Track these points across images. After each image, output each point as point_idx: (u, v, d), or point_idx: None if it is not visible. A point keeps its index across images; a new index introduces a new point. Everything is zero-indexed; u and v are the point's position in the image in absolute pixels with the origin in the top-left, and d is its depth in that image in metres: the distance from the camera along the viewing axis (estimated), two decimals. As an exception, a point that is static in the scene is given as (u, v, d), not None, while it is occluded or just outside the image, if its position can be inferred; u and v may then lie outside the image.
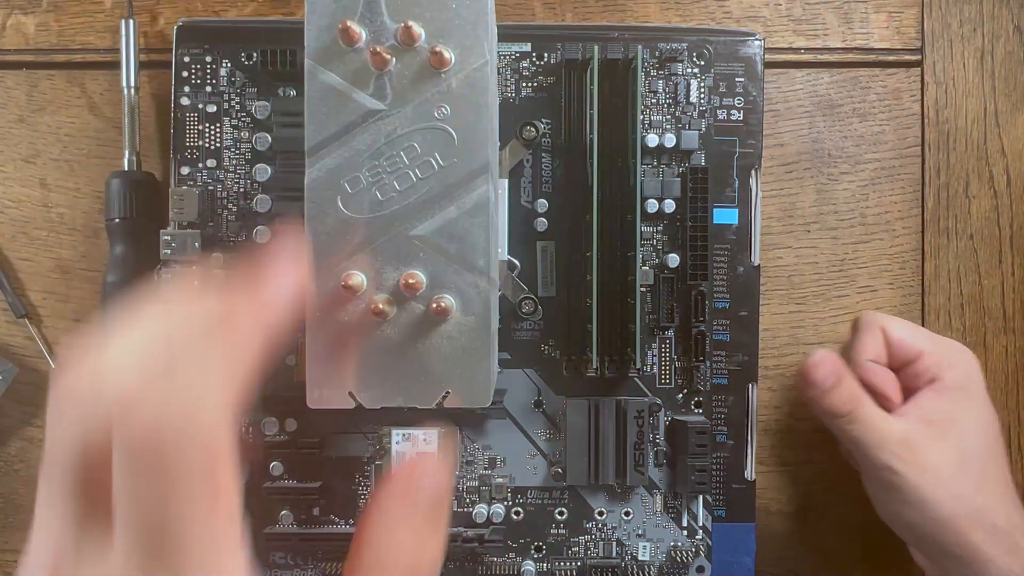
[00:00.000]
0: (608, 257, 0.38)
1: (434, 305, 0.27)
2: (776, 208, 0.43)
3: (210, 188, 0.38)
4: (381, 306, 0.27)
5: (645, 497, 0.40)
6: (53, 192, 0.42)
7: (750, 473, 0.39)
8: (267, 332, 0.20)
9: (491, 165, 0.28)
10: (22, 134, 0.42)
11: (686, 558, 0.40)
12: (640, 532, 0.40)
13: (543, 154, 0.39)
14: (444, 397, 0.28)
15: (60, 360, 0.19)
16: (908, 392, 0.38)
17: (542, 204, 0.39)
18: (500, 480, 0.39)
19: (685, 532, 0.40)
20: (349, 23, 0.25)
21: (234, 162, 0.38)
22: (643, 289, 0.39)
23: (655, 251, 0.39)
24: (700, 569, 0.40)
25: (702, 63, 0.39)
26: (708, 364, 0.39)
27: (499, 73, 0.38)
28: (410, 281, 0.26)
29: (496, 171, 0.32)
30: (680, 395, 0.39)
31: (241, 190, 0.38)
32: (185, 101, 0.38)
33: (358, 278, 0.27)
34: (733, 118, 0.39)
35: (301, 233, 0.25)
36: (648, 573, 0.39)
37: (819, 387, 0.35)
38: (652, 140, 0.39)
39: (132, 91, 0.40)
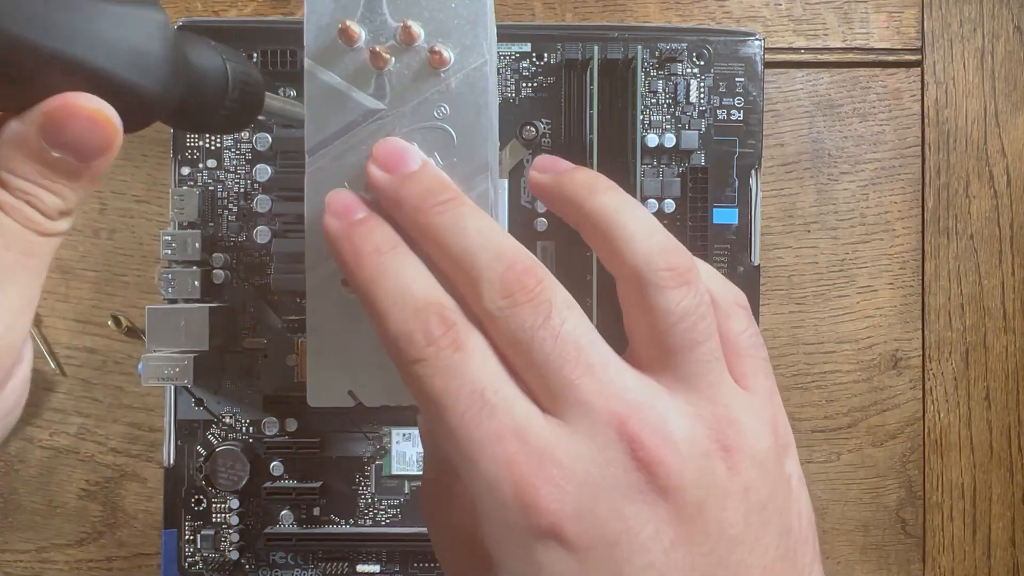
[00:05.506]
0: (608, 257, 0.38)
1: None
2: (776, 208, 0.43)
3: (210, 188, 0.38)
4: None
5: (645, 497, 0.40)
6: (53, 192, 0.42)
7: (750, 473, 0.39)
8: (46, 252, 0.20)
9: (491, 165, 0.27)
10: (22, 134, 0.42)
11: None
12: (640, 532, 0.40)
13: (543, 154, 0.39)
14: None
15: None
16: None
17: (542, 204, 0.39)
18: (500, 480, 0.39)
19: (685, 532, 0.40)
20: (349, 23, 0.25)
21: (234, 162, 0.38)
22: (643, 289, 0.39)
23: (655, 251, 0.39)
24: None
25: (702, 63, 0.39)
26: (708, 364, 0.39)
27: (499, 73, 0.38)
28: (410, 281, 0.26)
29: (496, 171, 0.32)
30: (680, 395, 0.39)
31: (241, 190, 0.38)
32: (185, 101, 0.38)
33: (358, 278, 0.26)
34: (733, 118, 0.39)
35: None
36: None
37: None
38: (652, 140, 0.39)
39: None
